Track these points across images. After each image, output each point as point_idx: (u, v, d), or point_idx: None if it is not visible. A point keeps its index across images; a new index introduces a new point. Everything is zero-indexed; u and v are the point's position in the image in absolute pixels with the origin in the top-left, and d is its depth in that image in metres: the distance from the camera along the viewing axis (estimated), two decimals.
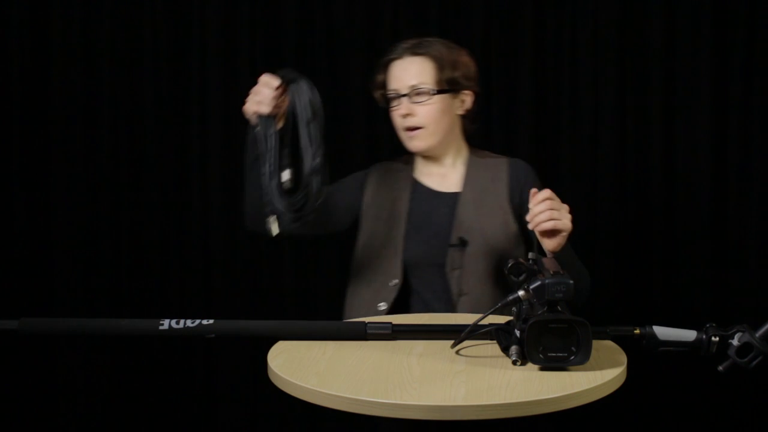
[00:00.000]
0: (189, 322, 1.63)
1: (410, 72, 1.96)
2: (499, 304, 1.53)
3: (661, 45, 2.74)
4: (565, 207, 1.73)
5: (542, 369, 1.43)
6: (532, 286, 1.47)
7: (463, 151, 2.07)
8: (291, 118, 1.75)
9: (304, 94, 1.75)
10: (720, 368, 1.61)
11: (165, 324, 1.63)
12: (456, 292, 1.93)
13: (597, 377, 1.40)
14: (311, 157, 1.71)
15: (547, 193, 1.71)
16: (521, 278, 1.53)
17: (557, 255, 1.73)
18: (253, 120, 1.81)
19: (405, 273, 1.97)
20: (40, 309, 2.89)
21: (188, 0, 2.87)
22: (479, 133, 2.75)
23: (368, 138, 2.86)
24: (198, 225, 2.92)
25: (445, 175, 2.04)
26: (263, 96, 1.77)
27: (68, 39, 2.87)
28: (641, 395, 2.75)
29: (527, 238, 1.98)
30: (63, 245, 2.90)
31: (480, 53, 2.77)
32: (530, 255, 1.57)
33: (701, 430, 2.77)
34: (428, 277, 1.96)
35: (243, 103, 2.84)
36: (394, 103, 1.99)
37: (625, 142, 2.78)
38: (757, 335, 1.58)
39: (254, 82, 2.83)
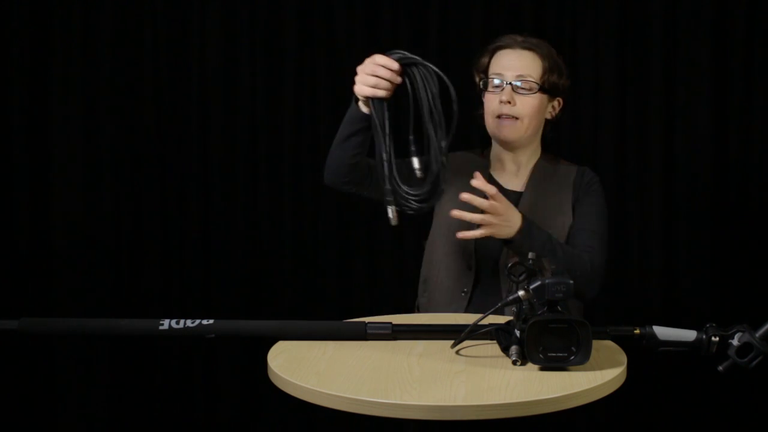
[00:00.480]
0: (189, 322, 1.63)
1: (520, 63, 1.97)
2: (499, 304, 1.53)
3: (661, 45, 2.74)
4: (506, 212, 1.79)
5: (542, 369, 1.43)
6: (532, 286, 1.47)
7: (537, 154, 2.08)
8: (412, 103, 1.65)
9: (431, 80, 1.64)
10: (720, 368, 1.61)
11: (165, 324, 1.63)
12: (507, 288, 1.93)
13: (597, 377, 1.40)
14: (438, 146, 1.64)
15: (487, 204, 1.78)
16: (521, 278, 1.53)
17: (514, 243, 1.79)
18: (363, 103, 1.76)
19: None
20: (40, 309, 2.89)
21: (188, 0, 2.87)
22: (479, 134, 2.76)
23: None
24: (198, 225, 2.92)
25: (516, 173, 2.05)
26: (381, 79, 1.69)
27: (68, 39, 2.87)
28: (641, 395, 2.75)
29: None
30: (63, 245, 2.89)
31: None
32: (530, 255, 1.57)
33: (701, 430, 2.77)
34: (482, 270, 1.98)
35: (243, 103, 2.88)
36: (495, 88, 1.98)
37: (625, 142, 2.78)
38: (757, 335, 1.58)
39: (254, 82, 2.87)
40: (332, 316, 1.92)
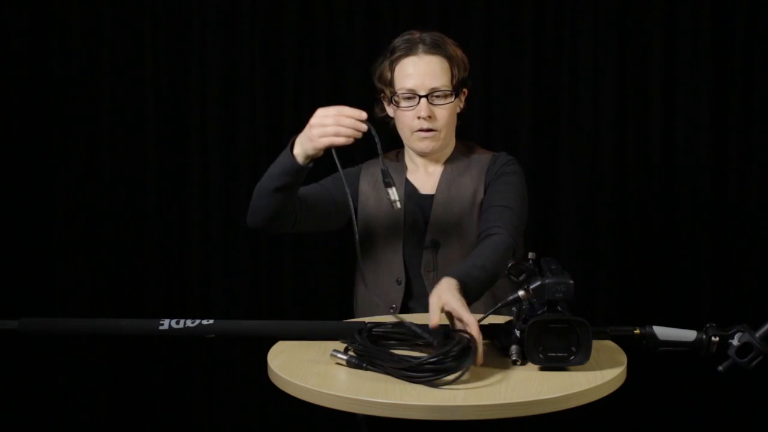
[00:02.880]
0: (189, 322, 1.63)
1: (431, 72, 1.89)
2: (499, 304, 1.52)
3: (662, 44, 2.74)
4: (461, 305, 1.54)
5: (542, 369, 1.43)
6: (532, 286, 1.47)
7: (452, 147, 2.02)
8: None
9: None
10: (720, 368, 1.61)
11: (165, 324, 1.63)
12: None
13: (597, 377, 1.40)
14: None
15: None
16: (521, 278, 1.53)
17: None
18: (319, 151, 1.73)
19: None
20: (40, 309, 2.89)
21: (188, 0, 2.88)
22: (479, 133, 2.77)
23: (368, 137, 2.85)
24: (198, 225, 2.92)
25: (431, 174, 2.01)
26: (346, 127, 1.68)
27: (69, 39, 2.87)
28: (641, 395, 2.75)
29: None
30: (63, 245, 2.90)
31: (480, 53, 2.77)
32: (530, 255, 1.57)
33: (701, 430, 2.77)
34: (413, 280, 1.95)
35: (243, 103, 2.88)
36: (408, 103, 1.91)
37: (625, 142, 2.78)
38: (757, 335, 1.58)
39: (254, 83, 2.87)
40: (332, 316, 1.92)
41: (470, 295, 1.60)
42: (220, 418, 2.95)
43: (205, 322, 1.64)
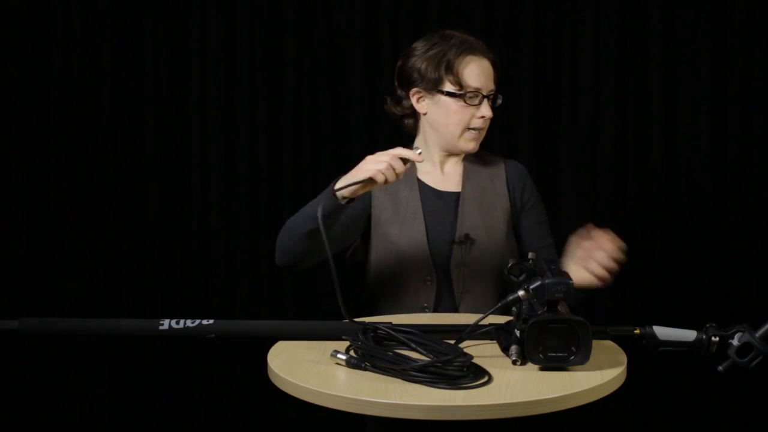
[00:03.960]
0: (189, 322, 1.63)
1: (490, 75, 1.94)
2: (499, 304, 1.52)
3: (662, 44, 2.74)
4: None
5: (542, 369, 1.43)
6: (532, 286, 1.47)
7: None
8: None
9: None
10: (720, 368, 1.61)
11: (165, 324, 1.62)
12: (459, 289, 1.93)
13: (597, 377, 1.39)
14: None
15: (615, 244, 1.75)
16: (521, 278, 1.53)
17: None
18: (362, 186, 1.70)
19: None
20: (40, 309, 2.89)
21: (188, 1, 2.87)
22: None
23: (368, 137, 2.86)
24: (198, 225, 2.92)
25: (448, 173, 2.02)
26: (396, 169, 1.68)
27: (69, 39, 2.87)
28: (641, 395, 2.75)
29: (519, 238, 2.01)
30: (63, 245, 2.90)
31: None
32: (530, 255, 1.57)
33: (701, 430, 2.77)
34: (440, 277, 1.95)
35: (243, 103, 2.88)
36: (472, 101, 1.92)
37: (625, 142, 2.78)
38: (757, 335, 1.58)
39: (254, 83, 2.87)
40: (332, 316, 1.91)
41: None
42: (220, 418, 2.95)
43: (205, 322, 1.64)
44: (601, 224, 2.76)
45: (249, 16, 2.87)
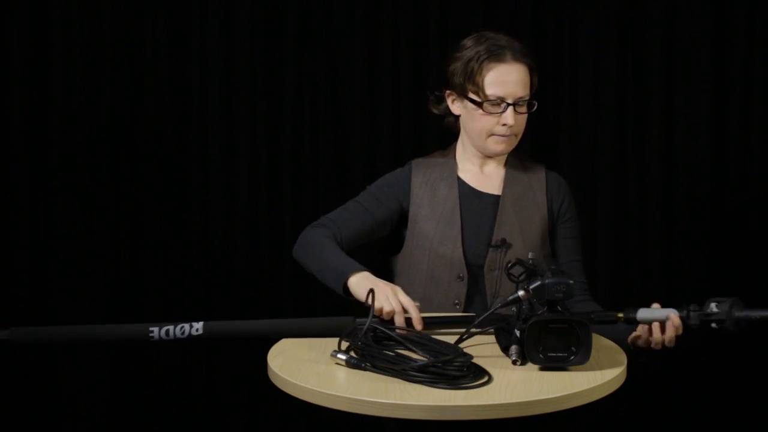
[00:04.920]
0: (179, 332, 1.64)
1: (520, 82, 1.92)
2: (500, 305, 1.53)
3: (662, 43, 2.74)
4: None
5: (542, 369, 1.43)
6: (532, 286, 1.47)
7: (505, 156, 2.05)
8: None
9: None
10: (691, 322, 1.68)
11: (155, 334, 1.63)
12: (491, 293, 1.92)
13: (597, 377, 1.40)
14: None
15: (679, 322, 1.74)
16: (521, 278, 1.53)
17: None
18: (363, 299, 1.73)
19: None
20: (40, 309, 2.89)
21: (188, 1, 2.88)
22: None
23: (368, 137, 2.86)
24: (198, 225, 2.92)
25: (489, 174, 2.02)
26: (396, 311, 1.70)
27: (68, 40, 2.87)
28: (641, 395, 2.75)
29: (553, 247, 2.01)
30: (63, 246, 2.89)
31: None
32: (530, 255, 1.58)
33: (701, 430, 2.77)
34: (472, 277, 1.96)
35: (243, 103, 2.88)
36: (494, 109, 1.91)
37: (625, 142, 2.78)
38: (734, 311, 1.64)
39: (254, 83, 2.87)
40: (332, 315, 1.92)
41: None
42: (220, 418, 2.95)
43: (195, 325, 1.64)
44: (601, 224, 2.79)
45: (249, 15, 2.87)
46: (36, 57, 2.86)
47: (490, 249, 1.92)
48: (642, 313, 1.67)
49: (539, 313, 1.44)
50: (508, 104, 1.91)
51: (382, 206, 1.99)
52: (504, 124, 1.91)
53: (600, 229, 2.79)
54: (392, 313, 1.67)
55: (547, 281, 1.43)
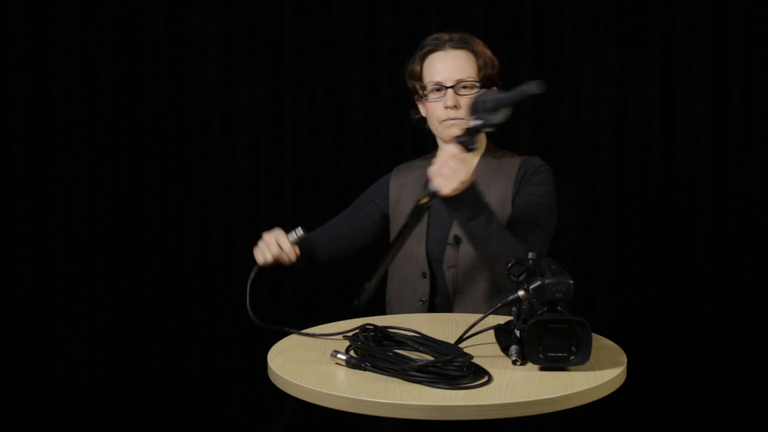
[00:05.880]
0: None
1: (456, 65, 1.98)
2: (500, 305, 1.53)
3: (662, 42, 2.74)
4: (456, 163, 1.74)
5: (542, 369, 1.43)
6: (532, 286, 1.47)
7: (483, 148, 2.08)
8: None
9: None
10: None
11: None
12: (451, 289, 1.95)
13: (597, 377, 1.39)
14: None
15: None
16: (521, 278, 1.53)
17: (456, 203, 1.76)
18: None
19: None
20: (40, 309, 2.89)
21: (188, 1, 2.88)
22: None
23: (368, 137, 2.86)
24: (198, 225, 2.92)
25: None
26: (269, 248, 1.90)
27: (69, 38, 2.87)
28: (641, 395, 2.75)
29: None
30: (63, 246, 2.90)
31: None
32: (530, 255, 1.57)
33: (701, 430, 2.77)
34: (437, 275, 1.99)
35: (243, 103, 2.88)
36: (436, 94, 1.99)
37: (625, 142, 2.78)
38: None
39: (254, 83, 2.88)
40: (332, 316, 1.92)
41: (469, 191, 1.75)
42: (220, 418, 2.95)
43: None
44: (602, 224, 2.79)
45: (249, 15, 2.87)
46: (36, 57, 2.87)
47: (447, 246, 1.96)
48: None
49: (539, 313, 1.44)
50: (447, 87, 1.97)
51: (360, 211, 2.12)
52: (447, 107, 1.97)
53: (600, 228, 2.79)
54: (260, 251, 1.89)
55: (547, 281, 1.43)
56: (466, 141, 1.73)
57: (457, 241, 1.96)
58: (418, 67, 2.03)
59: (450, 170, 1.72)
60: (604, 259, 2.78)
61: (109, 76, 2.88)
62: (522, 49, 2.78)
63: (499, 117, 1.68)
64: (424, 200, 1.77)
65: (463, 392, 1.33)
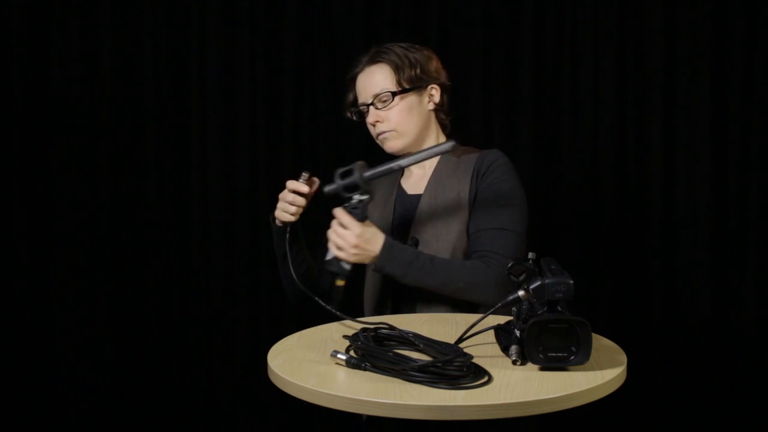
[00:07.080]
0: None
1: (371, 81, 2.02)
2: (499, 304, 1.52)
3: (662, 41, 2.74)
4: (357, 239, 1.81)
5: (542, 369, 1.43)
6: (532, 286, 1.47)
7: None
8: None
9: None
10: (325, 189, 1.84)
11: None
12: (413, 288, 1.92)
13: (597, 377, 1.39)
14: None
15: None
16: (521, 278, 1.53)
17: (377, 267, 1.84)
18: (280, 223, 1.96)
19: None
20: (40, 309, 2.89)
21: (188, 3, 2.88)
22: (480, 133, 2.77)
23: (368, 137, 2.85)
24: (198, 225, 2.92)
25: (422, 176, 2.06)
26: (290, 203, 1.93)
27: (68, 40, 2.87)
28: (641, 395, 2.75)
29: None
30: (63, 246, 2.90)
31: (480, 53, 2.78)
32: (530, 255, 1.57)
33: (701, 430, 2.77)
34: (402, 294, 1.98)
35: (243, 103, 2.88)
36: (364, 116, 2.04)
37: (625, 142, 2.78)
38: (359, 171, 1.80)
39: (254, 83, 2.88)
40: (332, 317, 1.92)
41: (383, 253, 1.81)
42: (220, 418, 2.95)
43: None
44: (602, 224, 2.79)
45: (249, 15, 2.87)
46: (36, 57, 2.87)
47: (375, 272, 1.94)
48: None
49: (539, 313, 1.44)
50: (367, 105, 2.01)
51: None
52: (371, 124, 2.02)
53: (600, 228, 2.79)
54: (281, 209, 1.92)
55: (547, 281, 1.43)
56: (359, 214, 1.82)
57: (414, 242, 1.96)
58: (351, 95, 2.07)
59: (356, 255, 1.81)
60: (604, 259, 2.78)
61: (109, 76, 2.88)
62: (522, 49, 2.78)
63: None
64: (340, 282, 1.85)
65: (463, 392, 1.33)
